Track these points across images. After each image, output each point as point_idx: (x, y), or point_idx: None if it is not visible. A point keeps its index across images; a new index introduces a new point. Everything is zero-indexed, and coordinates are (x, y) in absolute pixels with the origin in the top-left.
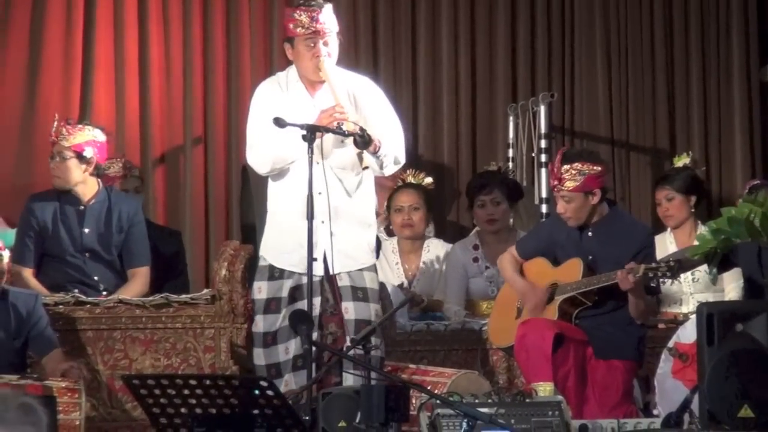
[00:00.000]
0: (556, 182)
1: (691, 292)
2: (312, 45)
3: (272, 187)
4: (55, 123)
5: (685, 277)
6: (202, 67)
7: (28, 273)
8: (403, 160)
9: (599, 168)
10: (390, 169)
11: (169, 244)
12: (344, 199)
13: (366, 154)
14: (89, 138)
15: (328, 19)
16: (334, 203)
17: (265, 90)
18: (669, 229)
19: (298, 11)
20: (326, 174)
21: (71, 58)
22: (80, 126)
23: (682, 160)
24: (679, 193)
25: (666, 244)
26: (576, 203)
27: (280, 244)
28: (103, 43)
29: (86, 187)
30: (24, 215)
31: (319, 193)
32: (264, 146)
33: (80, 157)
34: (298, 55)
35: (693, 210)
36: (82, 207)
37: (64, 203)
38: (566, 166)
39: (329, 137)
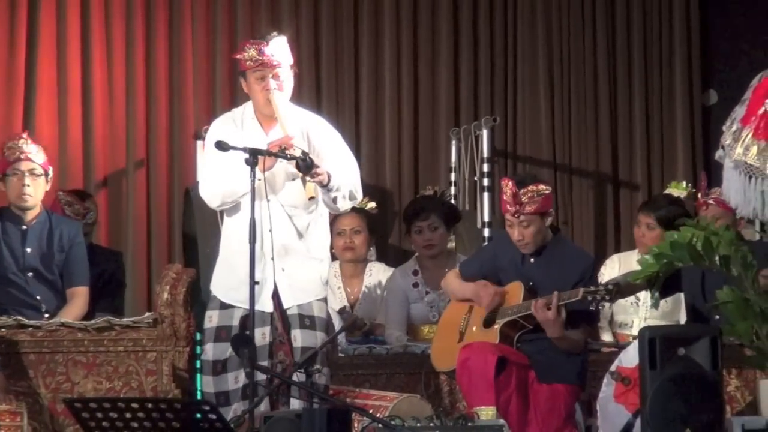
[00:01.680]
0: (516, 207)
1: (645, 317)
2: (261, 78)
3: (226, 223)
4: (21, 140)
5: (644, 300)
6: (145, 90)
7: None
8: (358, 196)
9: (549, 189)
10: (344, 204)
11: (109, 262)
12: (294, 239)
13: (314, 185)
14: (45, 158)
15: (276, 51)
16: (284, 241)
17: (219, 126)
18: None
19: (247, 44)
20: (274, 211)
21: (13, 79)
22: (37, 145)
23: (678, 190)
24: (660, 226)
25: (632, 263)
26: (534, 226)
27: (229, 280)
28: (46, 65)
29: (37, 206)
30: None
31: (269, 231)
32: (216, 180)
33: (47, 175)
34: (250, 88)
35: None
36: (24, 227)
37: (6, 221)
38: (523, 190)
39: (280, 173)
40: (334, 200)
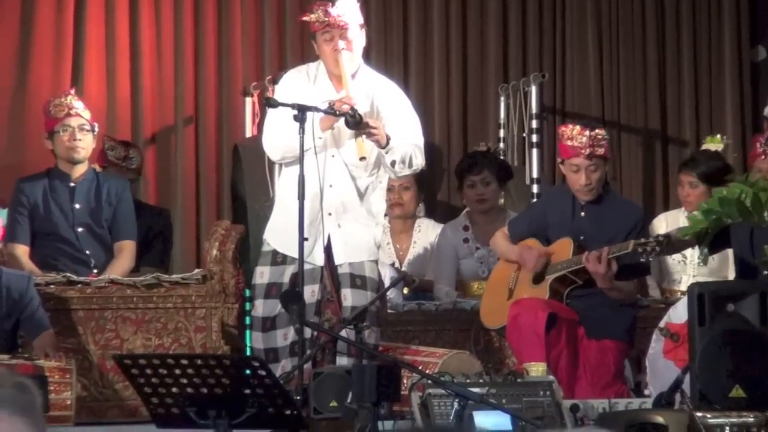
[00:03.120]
0: (591, 150)
1: (693, 273)
2: (329, 39)
3: (284, 173)
4: (69, 96)
5: (692, 257)
6: (194, 48)
7: (21, 251)
8: (420, 165)
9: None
10: (401, 169)
11: (155, 219)
12: (354, 197)
13: (369, 147)
14: (91, 114)
15: (344, 11)
16: (344, 198)
17: (292, 78)
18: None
19: (314, 6)
20: (338, 168)
21: (62, 38)
22: (82, 101)
23: (714, 144)
24: (703, 183)
25: (679, 221)
26: (601, 171)
27: (287, 231)
28: (94, 24)
29: (85, 163)
30: (14, 194)
31: (330, 186)
32: (278, 134)
33: (94, 129)
34: (320, 49)
35: None
36: (72, 184)
37: (54, 180)
38: (591, 134)
39: (345, 130)
40: (392, 164)
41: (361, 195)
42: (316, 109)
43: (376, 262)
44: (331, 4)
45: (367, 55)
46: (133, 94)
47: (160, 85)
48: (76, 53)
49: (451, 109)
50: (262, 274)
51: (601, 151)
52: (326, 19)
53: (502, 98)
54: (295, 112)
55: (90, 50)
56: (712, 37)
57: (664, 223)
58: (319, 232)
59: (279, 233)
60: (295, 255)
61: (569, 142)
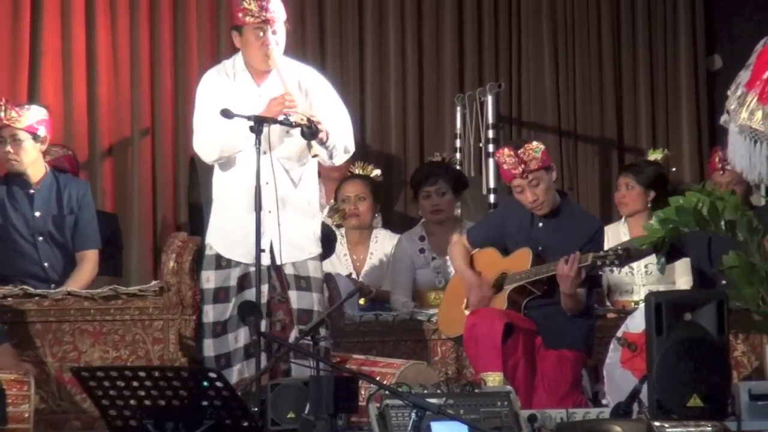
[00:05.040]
0: (522, 167)
1: (643, 283)
2: (261, 34)
3: (218, 175)
4: (2, 105)
5: (638, 268)
6: (149, 57)
7: None
8: (352, 149)
9: (543, 145)
10: (339, 159)
11: (106, 226)
12: (290, 190)
13: (315, 144)
14: (40, 117)
15: (277, 7)
16: (281, 193)
17: (211, 78)
18: (623, 219)
19: (247, 0)
20: (273, 164)
21: (18, 47)
22: (27, 106)
23: (655, 155)
24: (639, 185)
25: (620, 234)
26: (544, 183)
27: (228, 234)
28: (50, 34)
29: (36, 168)
30: None
31: (266, 183)
32: (211, 135)
33: (35, 137)
34: (247, 43)
35: (650, 205)
36: (31, 191)
37: (13, 185)
38: (521, 150)
39: (276, 128)
40: (331, 155)
41: (296, 185)
42: (273, 121)
43: (318, 257)
44: None
45: (323, 66)
46: (89, 105)
47: (117, 96)
48: (33, 63)
49: (407, 119)
50: (208, 279)
51: (534, 164)
52: (262, 14)
53: (459, 108)
54: (251, 123)
55: (46, 61)
56: (668, 45)
57: (606, 237)
58: (263, 231)
59: (220, 236)
60: (239, 259)
61: (504, 166)
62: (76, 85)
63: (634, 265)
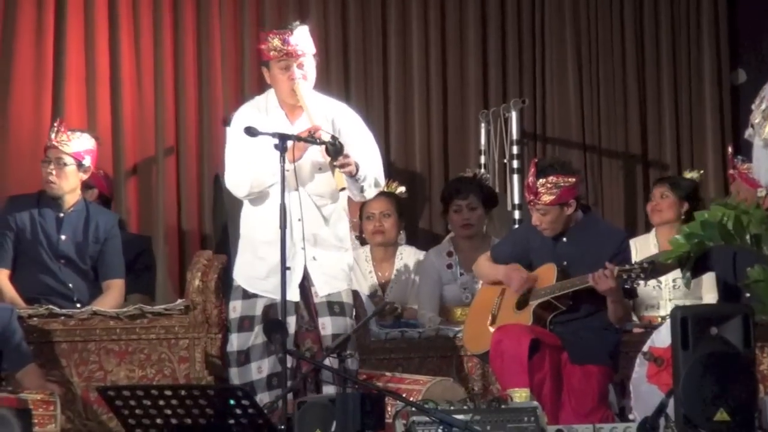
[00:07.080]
0: (531, 197)
1: (669, 297)
2: (286, 68)
3: (246, 210)
4: (55, 126)
5: (665, 282)
6: (173, 78)
7: (2, 275)
8: (382, 183)
9: (573, 179)
10: (370, 192)
11: (136, 248)
12: (322, 227)
13: (344, 177)
14: (88, 147)
15: (301, 41)
16: (313, 230)
17: (245, 113)
18: (654, 230)
19: (270, 35)
20: (303, 201)
21: (42, 68)
22: (78, 133)
23: (691, 174)
24: (674, 195)
25: (649, 246)
26: (551, 215)
27: (255, 270)
28: (74, 54)
29: (73, 195)
30: (2, 216)
31: (299, 220)
32: (243, 169)
33: (79, 165)
34: (274, 78)
35: (683, 217)
36: (61, 214)
37: (44, 207)
38: (541, 180)
39: (307, 164)
40: (361, 189)
41: (327, 222)
42: (297, 138)
43: (350, 288)
44: (289, 32)
45: (347, 85)
46: (113, 125)
47: (141, 116)
48: (56, 84)
49: (431, 135)
50: (235, 309)
51: (547, 199)
52: (284, 47)
53: (483, 124)
54: (275, 141)
55: (70, 81)
56: (692, 60)
57: (634, 249)
58: (294, 267)
59: (245, 272)
60: (267, 294)
61: (526, 181)
62: (100, 105)
63: (662, 279)
